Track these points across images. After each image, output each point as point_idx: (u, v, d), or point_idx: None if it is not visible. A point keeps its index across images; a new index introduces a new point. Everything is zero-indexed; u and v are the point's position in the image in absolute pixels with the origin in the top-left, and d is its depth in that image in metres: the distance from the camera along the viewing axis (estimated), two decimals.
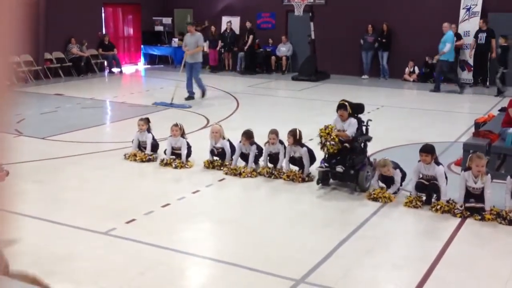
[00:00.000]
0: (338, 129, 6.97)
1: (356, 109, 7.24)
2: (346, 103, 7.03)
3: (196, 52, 13.09)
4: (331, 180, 7.17)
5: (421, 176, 6.49)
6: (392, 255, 5.28)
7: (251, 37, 18.32)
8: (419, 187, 6.47)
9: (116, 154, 8.53)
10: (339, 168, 6.85)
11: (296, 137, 7.32)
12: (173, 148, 8.04)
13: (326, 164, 6.97)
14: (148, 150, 8.11)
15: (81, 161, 8.19)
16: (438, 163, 6.43)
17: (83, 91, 14.54)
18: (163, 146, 8.46)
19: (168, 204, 6.44)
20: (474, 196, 6.16)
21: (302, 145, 7.36)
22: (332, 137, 6.74)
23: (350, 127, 6.94)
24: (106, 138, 10.11)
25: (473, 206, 6.10)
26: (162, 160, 7.94)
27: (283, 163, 7.46)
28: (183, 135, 8.06)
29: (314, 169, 7.26)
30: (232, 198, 6.89)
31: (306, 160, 7.33)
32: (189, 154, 7.98)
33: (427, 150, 6.44)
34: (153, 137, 8.26)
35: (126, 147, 8.72)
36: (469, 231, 5.81)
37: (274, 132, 7.52)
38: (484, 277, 4.82)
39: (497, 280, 4.75)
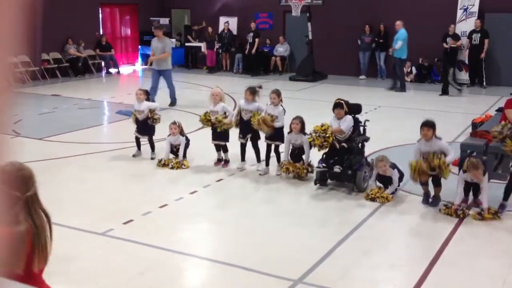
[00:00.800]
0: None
1: (354, 110, 7.25)
2: (342, 102, 7.03)
3: (163, 59, 12.13)
4: (328, 181, 7.18)
5: (422, 155, 6.39)
6: (390, 255, 5.29)
7: (257, 40, 18.26)
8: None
9: (113, 154, 8.53)
10: (337, 169, 6.86)
11: (303, 124, 7.34)
12: (173, 146, 8.04)
13: (323, 165, 6.98)
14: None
15: (78, 162, 8.18)
16: (439, 138, 6.40)
17: (80, 92, 14.52)
18: (161, 145, 8.46)
19: (165, 205, 6.44)
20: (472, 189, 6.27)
21: (304, 133, 7.38)
22: (327, 135, 6.73)
23: (345, 122, 6.94)
24: (104, 139, 10.10)
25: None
26: (160, 161, 7.94)
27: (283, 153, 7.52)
28: (181, 132, 8.06)
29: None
30: (230, 199, 6.89)
31: (306, 147, 7.31)
32: (187, 146, 8.00)
33: (429, 124, 6.37)
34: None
35: (123, 148, 8.72)
36: (466, 231, 5.82)
37: (275, 92, 7.61)
38: (482, 277, 4.83)
39: (494, 280, 4.76)
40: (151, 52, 12.47)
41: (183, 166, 7.82)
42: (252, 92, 7.70)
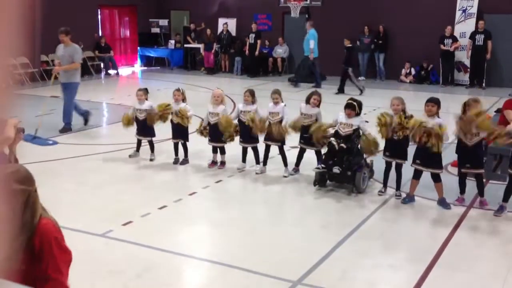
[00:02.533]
0: (343, 122, 6.95)
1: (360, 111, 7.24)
2: (355, 103, 7.00)
3: (70, 70, 10.04)
4: (328, 182, 7.18)
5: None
6: (390, 256, 5.29)
7: (259, 41, 18.25)
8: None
9: (113, 156, 8.53)
10: (336, 170, 6.85)
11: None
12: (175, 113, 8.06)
13: (323, 166, 6.98)
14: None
15: (77, 163, 8.18)
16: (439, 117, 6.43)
17: (79, 93, 14.45)
18: (161, 147, 8.46)
19: (165, 206, 6.43)
20: (468, 156, 6.25)
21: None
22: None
23: (359, 122, 6.94)
24: (103, 140, 10.09)
25: (471, 171, 6.26)
26: (167, 105, 7.99)
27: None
28: (184, 100, 8.07)
29: (311, 170, 7.27)
30: (229, 200, 6.89)
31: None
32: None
33: (434, 100, 6.45)
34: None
35: (122, 149, 8.71)
36: (466, 231, 5.82)
37: (276, 92, 7.65)
38: (481, 278, 4.83)
39: (495, 280, 4.76)
40: (56, 62, 10.58)
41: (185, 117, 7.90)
42: (252, 93, 7.71)
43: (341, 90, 14.73)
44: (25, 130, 4.92)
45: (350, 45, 15.18)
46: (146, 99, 8.32)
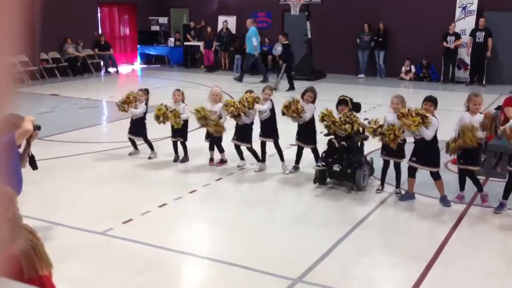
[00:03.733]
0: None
1: (353, 108, 7.24)
2: (347, 99, 7.03)
3: None
4: (328, 179, 7.18)
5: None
6: (389, 254, 5.29)
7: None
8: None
9: (112, 154, 8.52)
10: (336, 167, 6.85)
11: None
12: None
13: (323, 163, 6.98)
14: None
15: (77, 161, 8.18)
16: (434, 116, 6.43)
17: (79, 91, 14.51)
18: (161, 145, 8.46)
19: (165, 204, 6.44)
20: (464, 155, 6.28)
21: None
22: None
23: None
24: (103, 138, 10.09)
25: (465, 168, 6.31)
26: (160, 110, 7.82)
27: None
28: (183, 100, 8.07)
29: (311, 168, 7.27)
30: (229, 198, 6.89)
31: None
32: (185, 123, 8.02)
33: (432, 100, 6.47)
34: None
35: (122, 147, 8.71)
36: (465, 230, 5.82)
37: (269, 87, 7.68)
38: (481, 275, 4.83)
39: (494, 278, 4.76)
40: None
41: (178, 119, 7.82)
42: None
43: (291, 87, 14.82)
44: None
45: (286, 42, 15.36)
46: (146, 100, 8.30)
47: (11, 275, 2.15)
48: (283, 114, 7.37)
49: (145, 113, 8.28)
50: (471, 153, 6.26)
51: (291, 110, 7.26)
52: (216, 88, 8.03)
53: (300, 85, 15.62)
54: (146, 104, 8.28)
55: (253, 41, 15.69)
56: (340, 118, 6.78)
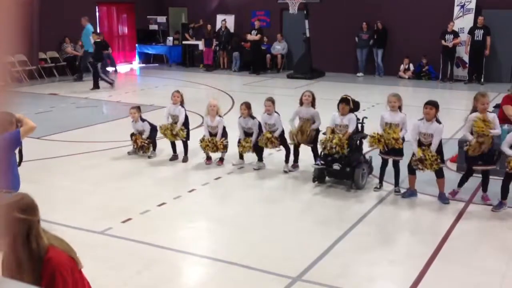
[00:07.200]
0: (338, 124, 6.96)
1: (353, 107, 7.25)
2: (349, 98, 7.03)
3: None
4: (327, 178, 7.18)
5: (419, 136, 6.45)
6: (389, 251, 5.29)
7: (259, 36, 18.20)
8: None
9: (111, 153, 8.52)
10: (335, 166, 6.86)
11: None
12: (171, 116, 8.06)
13: (322, 162, 6.98)
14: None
15: (76, 161, 8.17)
16: (439, 122, 6.43)
17: (77, 91, 14.50)
18: (160, 145, 8.45)
19: (164, 203, 6.44)
20: (482, 156, 6.26)
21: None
22: (334, 142, 6.75)
23: (351, 123, 6.94)
24: (101, 138, 10.08)
25: (486, 169, 6.29)
26: (161, 127, 8.01)
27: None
28: (182, 103, 8.07)
29: (310, 166, 7.28)
30: (228, 197, 6.89)
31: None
32: (186, 124, 8.03)
33: (433, 103, 6.44)
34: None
35: (121, 146, 8.71)
36: (465, 227, 5.83)
37: (270, 100, 7.69)
38: (480, 272, 4.84)
39: (494, 275, 4.77)
40: None
41: (178, 137, 7.90)
42: (248, 106, 7.73)
43: (96, 86, 14.81)
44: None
45: (98, 40, 15.42)
46: (141, 117, 8.37)
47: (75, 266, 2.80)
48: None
49: (153, 128, 8.35)
50: (488, 153, 6.26)
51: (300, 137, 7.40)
52: (214, 100, 8.09)
53: (299, 84, 15.66)
54: (142, 119, 8.38)
55: (91, 39, 15.40)
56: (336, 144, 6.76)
